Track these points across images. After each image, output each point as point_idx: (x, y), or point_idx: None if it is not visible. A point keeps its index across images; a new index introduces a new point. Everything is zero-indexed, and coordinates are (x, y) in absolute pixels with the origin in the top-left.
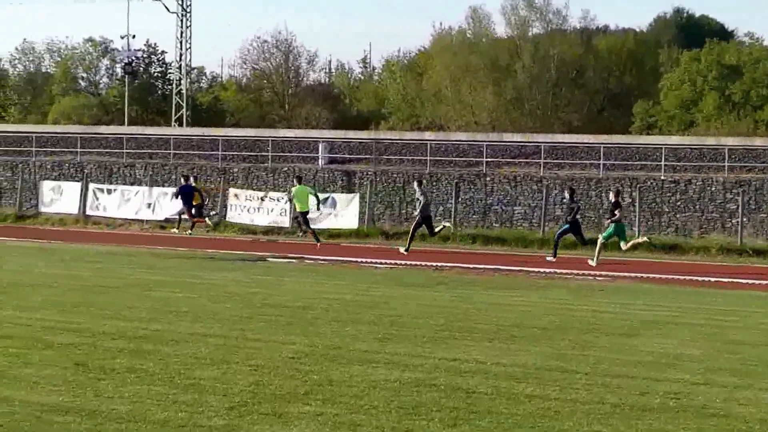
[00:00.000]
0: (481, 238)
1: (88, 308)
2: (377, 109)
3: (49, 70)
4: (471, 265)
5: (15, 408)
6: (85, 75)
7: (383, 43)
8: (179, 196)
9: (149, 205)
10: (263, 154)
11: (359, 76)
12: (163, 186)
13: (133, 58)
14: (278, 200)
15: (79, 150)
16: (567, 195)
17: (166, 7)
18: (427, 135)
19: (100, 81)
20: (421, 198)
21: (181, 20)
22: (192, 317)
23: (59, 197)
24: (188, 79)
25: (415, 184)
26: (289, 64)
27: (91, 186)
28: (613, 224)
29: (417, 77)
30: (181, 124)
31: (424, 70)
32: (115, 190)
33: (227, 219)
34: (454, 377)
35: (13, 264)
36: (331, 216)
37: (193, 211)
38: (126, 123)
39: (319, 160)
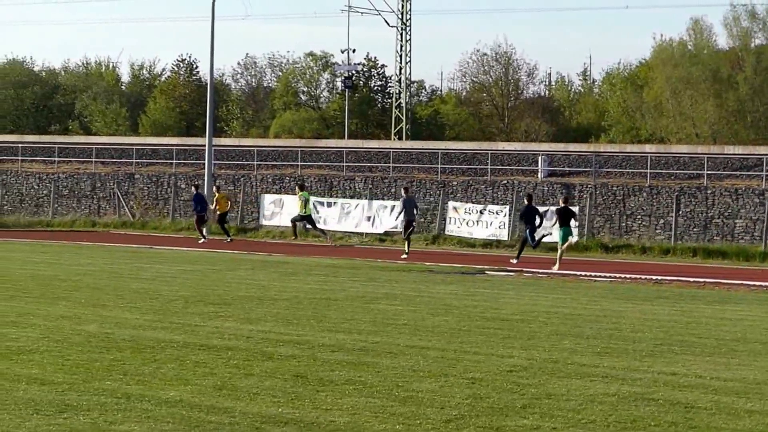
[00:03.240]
0: (702, 252)
1: (309, 320)
2: (597, 122)
3: (270, 85)
4: (692, 279)
5: (235, 418)
6: (305, 89)
7: (603, 55)
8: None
9: (369, 218)
10: (482, 167)
11: (579, 88)
12: (383, 199)
13: (353, 72)
14: (497, 213)
15: (299, 163)
16: (525, 201)
17: (386, 21)
18: (648, 148)
19: (321, 95)
20: (398, 204)
21: (401, 34)
22: (411, 330)
23: (280, 210)
24: (408, 93)
25: (402, 190)
26: (509, 76)
27: (312, 199)
28: (561, 229)
29: (637, 89)
30: (400, 138)
31: (644, 82)
32: (335, 203)
33: (446, 232)
34: (673, 391)
35: (237, 277)
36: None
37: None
38: (346, 136)
39: (539, 173)
